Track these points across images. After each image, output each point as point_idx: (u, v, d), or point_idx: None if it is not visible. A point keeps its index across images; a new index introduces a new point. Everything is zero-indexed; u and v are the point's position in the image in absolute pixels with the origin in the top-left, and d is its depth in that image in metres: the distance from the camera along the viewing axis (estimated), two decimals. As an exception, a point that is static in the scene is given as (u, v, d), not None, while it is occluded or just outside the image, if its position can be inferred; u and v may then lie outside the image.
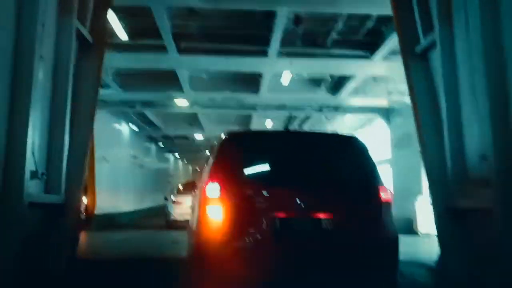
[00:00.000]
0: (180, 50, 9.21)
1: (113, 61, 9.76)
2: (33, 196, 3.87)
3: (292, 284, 3.46)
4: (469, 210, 4.48)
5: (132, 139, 18.66)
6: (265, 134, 5.21)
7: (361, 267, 3.54)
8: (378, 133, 16.75)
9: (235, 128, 17.78)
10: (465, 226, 4.59)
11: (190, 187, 12.36)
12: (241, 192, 3.66)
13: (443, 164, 4.82)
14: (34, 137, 3.92)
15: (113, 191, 15.25)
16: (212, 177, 3.73)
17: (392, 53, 9.41)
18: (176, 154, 31.75)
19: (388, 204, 3.84)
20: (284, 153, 3.95)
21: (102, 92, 11.88)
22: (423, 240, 11.28)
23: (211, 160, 4.20)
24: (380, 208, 3.79)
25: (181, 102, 13.84)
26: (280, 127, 16.72)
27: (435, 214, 5.10)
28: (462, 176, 4.56)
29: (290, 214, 3.60)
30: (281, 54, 9.27)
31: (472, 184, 4.43)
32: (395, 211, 13.27)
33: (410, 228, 12.11)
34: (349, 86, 11.54)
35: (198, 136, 20.95)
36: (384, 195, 3.84)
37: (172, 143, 24.26)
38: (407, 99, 12.33)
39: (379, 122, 16.24)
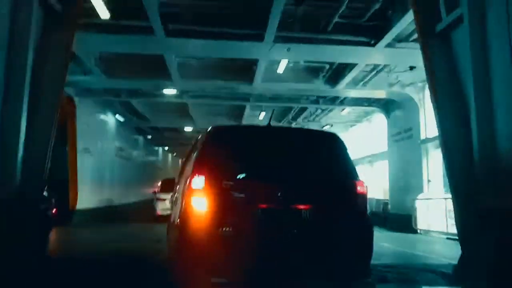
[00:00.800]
0: (168, 33, 8.42)
1: (94, 43, 9.01)
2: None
3: (274, 270, 3.62)
4: (500, 210, 3.87)
5: (118, 130, 17.83)
6: (248, 129, 5.47)
7: (337, 254, 3.76)
8: (375, 128, 16.22)
9: (227, 120, 17.09)
10: (495, 228, 3.99)
11: (169, 184, 11.81)
12: (225, 184, 3.80)
13: (468, 159, 4.22)
14: None
15: (97, 185, 14.49)
16: (197, 170, 3.82)
17: (398, 40, 8.79)
18: (165, 147, 30.92)
19: (363, 197, 4.07)
20: (267, 147, 4.07)
21: (85, 78, 11.14)
22: (425, 239, 10.78)
23: (196, 153, 4.26)
24: (356, 201, 4.03)
25: (170, 91, 13.07)
26: (274, 119, 16.01)
27: (458, 215, 4.49)
28: (492, 173, 3.94)
29: (272, 205, 3.79)
30: (279, 39, 8.54)
31: (505, 181, 3.82)
32: (392, 208, 12.60)
33: (408, 225, 11.63)
34: (349, 77, 10.88)
35: (188, 129, 20.20)
36: (360, 189, 4.05)
37: (161, 136, 23.46)
38: (409, 91, 11.89)
39: (377, 117, 15.68)
